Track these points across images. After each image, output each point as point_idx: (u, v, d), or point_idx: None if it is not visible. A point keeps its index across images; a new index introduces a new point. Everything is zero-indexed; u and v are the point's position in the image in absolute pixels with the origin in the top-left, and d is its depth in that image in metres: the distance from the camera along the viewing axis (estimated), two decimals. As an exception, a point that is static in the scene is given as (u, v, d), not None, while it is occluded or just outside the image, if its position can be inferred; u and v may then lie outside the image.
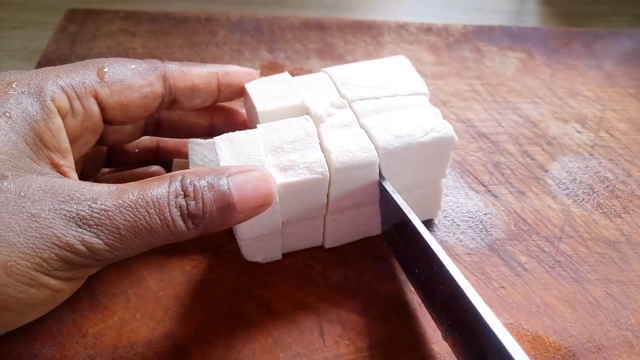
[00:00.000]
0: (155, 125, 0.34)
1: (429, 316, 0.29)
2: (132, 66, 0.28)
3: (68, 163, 0.25)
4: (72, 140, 0.26)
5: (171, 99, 0.30)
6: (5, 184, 0.21)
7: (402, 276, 0.31)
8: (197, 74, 0.31)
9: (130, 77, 0.28)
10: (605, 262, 0.33)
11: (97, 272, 0.30)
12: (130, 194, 0.23)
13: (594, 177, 0.39)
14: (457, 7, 0.65)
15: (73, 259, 0.21)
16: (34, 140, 0.23)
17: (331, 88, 0.32)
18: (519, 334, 0.29)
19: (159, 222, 0.23)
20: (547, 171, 0.39)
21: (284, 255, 0.31)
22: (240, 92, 0.33)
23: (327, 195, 0.29)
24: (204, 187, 0.24)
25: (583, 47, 0.53)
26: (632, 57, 0.52)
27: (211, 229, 0.24)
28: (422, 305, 0.30)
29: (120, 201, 0.22)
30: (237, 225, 0.28)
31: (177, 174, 0.24)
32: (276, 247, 0.30)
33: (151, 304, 0.29)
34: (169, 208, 0.23)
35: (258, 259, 0.31)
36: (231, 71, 0.32)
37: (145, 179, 0.24)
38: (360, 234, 0.32)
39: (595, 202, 0.37)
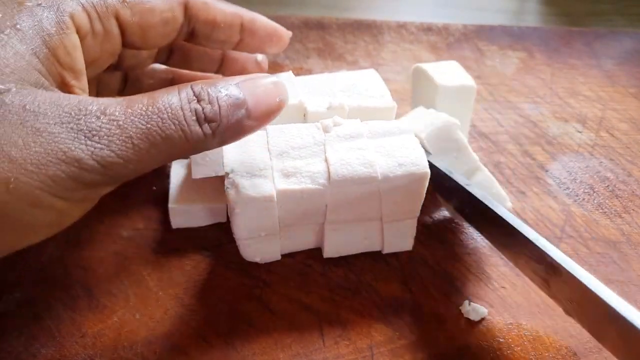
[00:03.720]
0: (167, 52, 0.33)
1: (429, 316, 0.29)
2: None
3: (80, 85, 0.24)
4: (90, 62, 0.25)
5: (189, 30, 0.29)
6: (9, 97, 0.20)
7: (402, 276, 0.31)
8: (220, 10, 0.29)
9: (153, 0, 0.27)
10: (605, 262, 0.33)
11: (96, 271, 0.30)
12: (140, 103, 0.21)
13: (595, 176, 0.39)
14: (458, 7, 0.65)
15: (83, 175, 0.20)
16: (46, 55, 0.22)
17: (333, 91, 0.32)
18: (519, 334, 0.29)
19: (174, 127, 0.21)
20: (547, 171, 0.39)
21: (283, 255, 0.31)
22: (262, 46, 0.31)
23: (326, 205, 0.28)
24: (216, 92, 0.23)
25: (584, 46, 0.53)
26: (633, 56, 0.52)
27: (227, 138, 0.23)
28: (423, 305, 0.30)
29: (130, 110, 0.21)
30: (234, 225, 0.28)
31: (184, 84, 0.23)
32: (275, 248, 0.30)
33: (151, 304, 0.29)
34: (183, 112, 0.22)
35: (257, 259, 0.30)
36: (258, 20, 0.31)
37: (152, 91, 0.23)
38: (361, 248, 0.32)
39: (595, 201, 0.37)
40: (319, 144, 0.28)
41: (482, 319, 0.29)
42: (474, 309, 0.29)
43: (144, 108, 0.21)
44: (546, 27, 0.59)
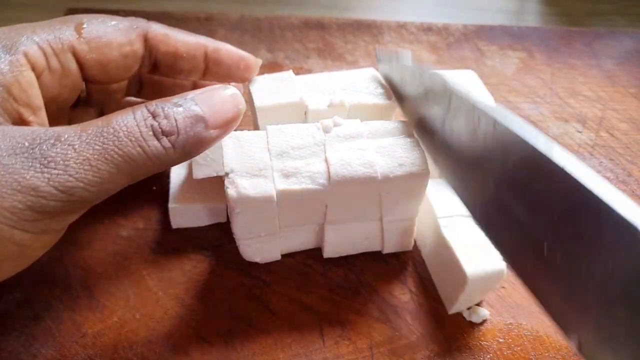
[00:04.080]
0: (138, 85, 0.33)
1: (429, 316, 0.29)
2: (113, 23, 0.27)
3: (38, 120, 0.24)
4: (51, 98, 0.25)
5: (152, 62, 0.29)
6: None
7: (402, 276, 0.31)
8: (182, 41, 0.29)
9: (110, 34, 0.27)
10: (605, 262, 0.33)
11: (95, 271, 0.30)
12: (94, 125, 0.21)
13: (595, 176, 0.39)
14: (458, 7, 0.65)
15: (41, 203, 0.20)
16: (0, 93, 0.22)
17: (333, 89, 0.32)
18: (519, 334, 0.29)
19: (131, 144, 0.21)
20: (547, 171, 0.39)
21: (283, 255, 0.31)
22: (230, 75, 0.31)
23: (326, 206, 0.28)
24: (171, 107, 0.23)
25: (584, 46, 0.53)
26: (633, 56, 0.52)
27: (189, 151, 0.24)
28: (423, 305, 0.30)
29: (85, 133, 0.21)
30: (234, 225, 0.28)
31: (139, 105, 0.23)
32: (275, 248, 0.30)
33: (151, 304, 0.29)
34: (139, 129, 0.22)
35: (257, 259, 0.30)
36: (223, 49, 0.30)
37: (107, 115, 0.23)
38: (361, 248, 0.32)
39: (595, 201, 0.37)
40: (319, 144, 0.28)
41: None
42: (475, 311, 0.29)
43: (98, 130, 0.21)
44: (546, 27, 0.59)
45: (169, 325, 0.28)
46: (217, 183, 0.32)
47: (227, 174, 0.27)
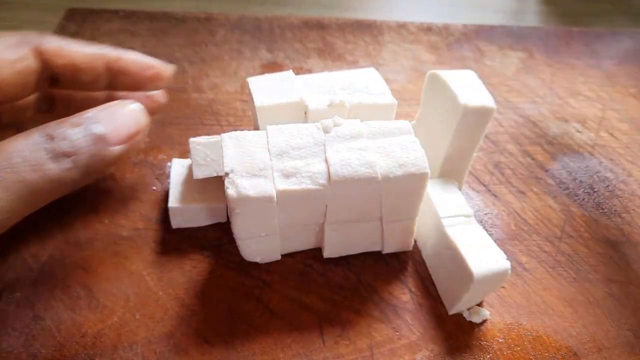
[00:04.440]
0: (49, 102, 0.32)
1: (429, 316, 0.29)
2: (0, 40, 0.26)
3: None
4: None
5: (49, 76, 0.28)
6: None
7: (402, 276, 0.31)
8: (79, 53, 0.28)
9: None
10: (605, 262, 0.33)
11: (95, 271, 0.30)
12: None
13: (595, 176, 0.39)
14: (458, 7, 0.65)
15: None
16: None
17: (333, 89, 0.32)
18: (519, 334, 0.29)
19: (28, 169, 0.21)
20: (547, 171, 0.39)
21: (283, 255, 0.31)
22: (140, 83, 0.30)
23: (326, 206, 0.28)
24: (69, 127, 0.22)
25: (584, 46, 0.53)
26: (633, 56, 0.52)
27: (93, 170, 0.23)
28: (423, 305, 0.30)
29: None
30: (234, 225, 0.28)
31: (34, 129, 0.22)
32: (275, 248, 0.30)
33: (151, 304, 0.29)
34: (36, 153, 0.21)
35: (257, 259, 0.30)
36: (126, 58, 0.29)
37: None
38: (361, 249, 0.32)
39: (595, 201, 0.37)
40: (319, 144, 0.28)
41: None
42: (475, 312, 0.29)
43: None
44: (546, 27, 0.59)
45: (169, 325, 0.28)
46: (217, 183, 0.32)
47: (227, 174, 0.27)
